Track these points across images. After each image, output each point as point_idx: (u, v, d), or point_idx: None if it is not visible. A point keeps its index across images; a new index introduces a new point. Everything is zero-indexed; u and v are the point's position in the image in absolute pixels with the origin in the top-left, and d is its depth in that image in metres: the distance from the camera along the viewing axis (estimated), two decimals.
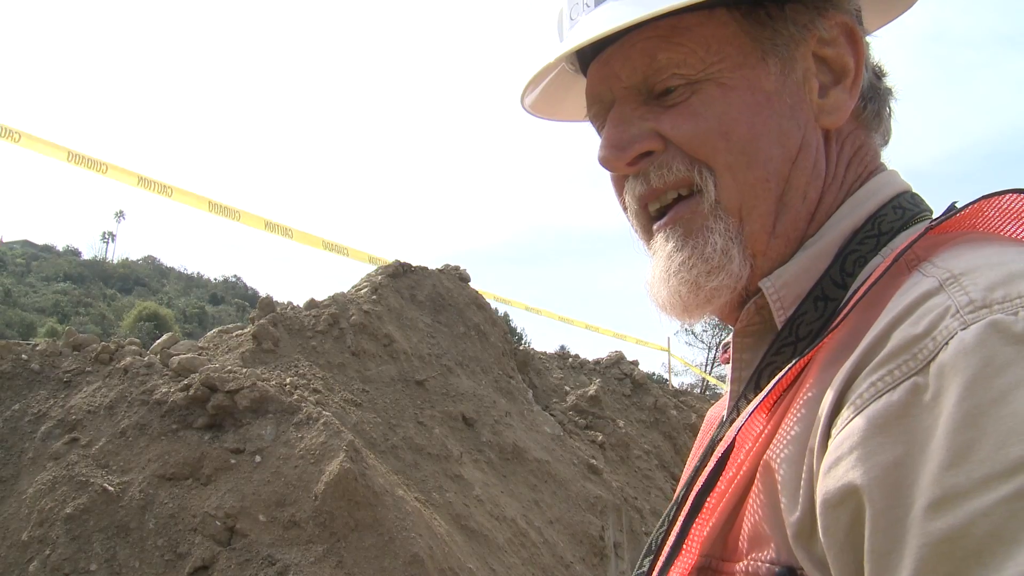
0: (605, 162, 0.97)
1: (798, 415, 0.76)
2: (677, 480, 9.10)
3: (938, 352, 0.66)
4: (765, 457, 0.78)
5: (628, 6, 0.89)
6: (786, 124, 0.92)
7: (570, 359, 11.04)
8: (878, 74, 1.01)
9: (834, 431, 0.70)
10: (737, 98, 0.91)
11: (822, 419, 0.72)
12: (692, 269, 0.91)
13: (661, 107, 0.93)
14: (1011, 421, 0.59)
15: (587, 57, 1.00)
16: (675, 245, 0.93)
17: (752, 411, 0.84)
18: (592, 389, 9.11)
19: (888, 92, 1.02)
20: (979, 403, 0.61)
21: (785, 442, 0.76)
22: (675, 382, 20.05)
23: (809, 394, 0.77)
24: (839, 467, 0.67)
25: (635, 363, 11.04)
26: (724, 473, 0.85)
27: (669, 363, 18.64)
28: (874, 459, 0.64)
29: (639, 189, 0.96)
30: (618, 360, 10.97)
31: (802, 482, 0.73)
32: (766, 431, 0.81)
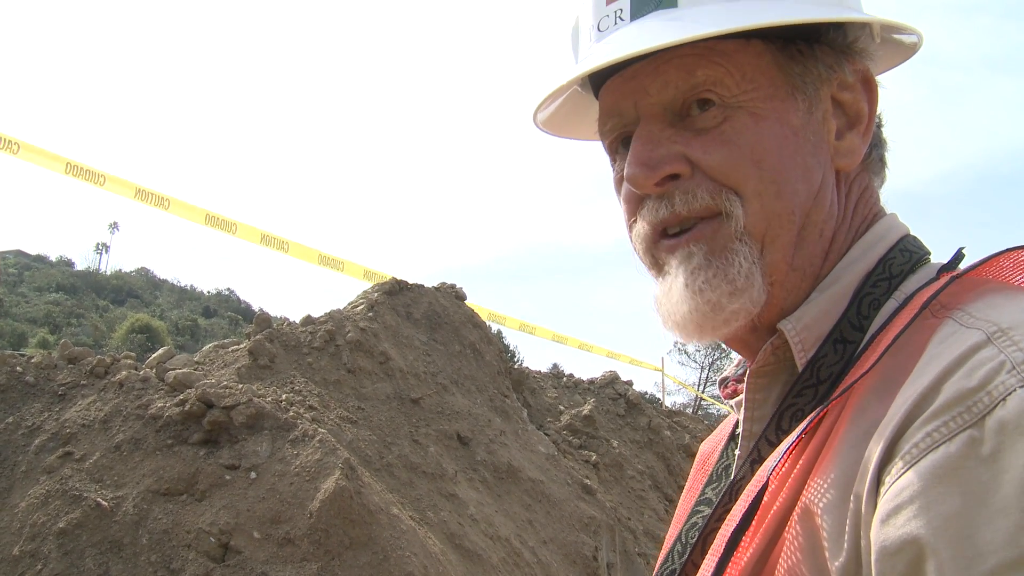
0: (633, 179, 0.96)
1: (839, 460, 0.76)
2: (671, 501, 9.09)
3: (994, 407, 0.66)
4: (804, 502, 0.78)
5: (670, 22, 0.90)
6: (810, 160, 0.93)
7: (564, 378, 11.04)
8: (879, 123, 1.03)
9: (887, 479, 0.70)
10: (768, 129, 0.92)
11: (871, 467, 0.72)
12: (716, 289, 0.91)
13: (690, 131, 0.93)
14: None
15: (603, 74, 0.99)
16: (699, 263, 0.93)
17: (783, 454, 0.84)
18: (586, 409, 9.12)
19: (885, 142, 1.04)
20: None
21: (826, 487, 0.76)
22: (667, 402, 20.05)
23: (848, 439, 0.77)
24: (899, 516, 0.67)
25: (629, 383, 11.05)
26: (758, 513, 0.84)
27: (663, 383, 18.67)
28: (936, 509, 0.65)
29: (662, 213, 0.95)
30: (612, 380, 10.98)
31: (847, 528, 0.73)
32: (795, 473, 0.81)
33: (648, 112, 0.95)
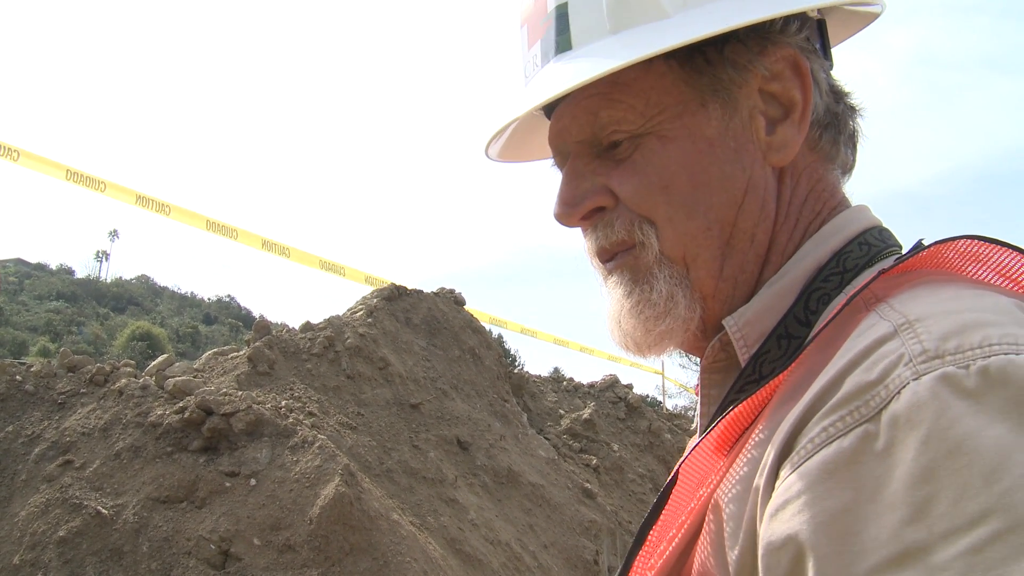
0: (559, 218, 0.98)
1: (748, 454, 0.77)
2: None
3: (890, 401, 0.65)
4: (715, 496, 0.78)
5: (568, 64, 0.91)
6: (728, 168, 0.92)
7: (564, 382, 11.03)
8: (837, 96, 0.98)
9: (783, 473, 0.70)
10: (676, 149, 0.91)
11: (770, 459, 0.72)
12: (640, 314, 0.93)
13: (612, 161, 0.94)
14: (965, 475, 0.60)
15: (549, 105, 0.99)
16: (624, 291, 0.95)
17: (695, 447, 0.84)
18: (586, 413, 9.11)
19: (849, 112, 0.98)
20: (934, 457, 0.61)
21: (734, 481, 0.77)
22: (668, 405, 20.05)
23: (760, 434, 0.77)
24: (786, 510, 0.67)
25: (629, 387, 11.03)
26: (669, 508, 0.85)
27: (663, 386, 18.66)
28: (821, 504, 0.64)
29: (592, 245, 0.98)
30: (612, 384, 10.96)
31: (744, 520, 0.73)
32: (722, 470, 0.80)
33: (575, 149, 0.97)
